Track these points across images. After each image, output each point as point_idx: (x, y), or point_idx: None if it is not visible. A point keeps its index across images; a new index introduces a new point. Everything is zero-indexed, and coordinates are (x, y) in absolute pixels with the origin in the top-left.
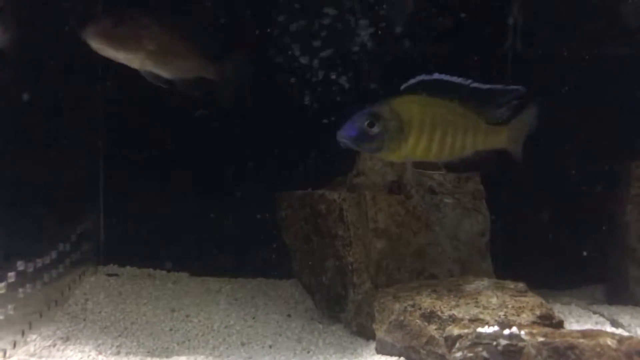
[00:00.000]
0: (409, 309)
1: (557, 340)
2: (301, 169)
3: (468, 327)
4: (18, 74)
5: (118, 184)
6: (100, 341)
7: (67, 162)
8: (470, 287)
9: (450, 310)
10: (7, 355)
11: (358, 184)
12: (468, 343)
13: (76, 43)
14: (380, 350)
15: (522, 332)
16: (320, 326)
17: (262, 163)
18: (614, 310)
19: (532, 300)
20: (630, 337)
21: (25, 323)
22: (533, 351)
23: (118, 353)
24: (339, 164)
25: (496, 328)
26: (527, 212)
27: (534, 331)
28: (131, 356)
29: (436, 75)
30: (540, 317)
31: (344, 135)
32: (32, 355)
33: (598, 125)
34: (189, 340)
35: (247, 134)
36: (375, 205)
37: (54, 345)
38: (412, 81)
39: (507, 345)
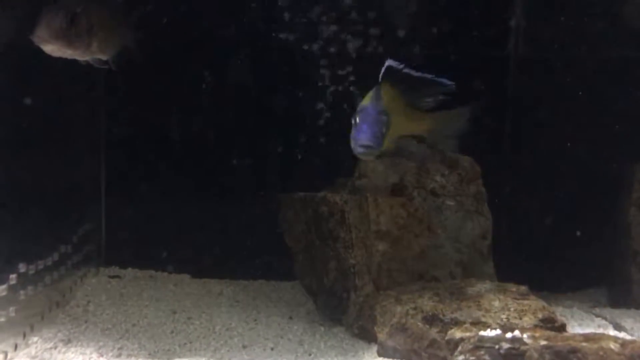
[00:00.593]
0: (411, 311)
1: (559, 343)
2: (304, 170)
3: (470, 331)
4: (19, 74)
5: (120, 186)
6: (101, 343)
7: (68, 164)
8: (472, 290)
9: (453, 313)
10: (9, 357)
11: (360, 186)
12: (470, 346)
13: None
14: (382, 353)
15: (525, 336)
16: (322, 329)
17: (264, 165)
18: (616, 314)
19: (534, 303)
20: (633, 341)
21: (27, 325)
22: (535, 355)
23: (119, 355)
24: (340, 165)
25: (498, 331)
26: (529, 214)
27: (536, 335)
28: (132, 358)
29: (389, 61)
30: (543, 320)
31: (367, 143)
32: (34, 357)
33: (601, 127)
34: (190, 343)
35: (249, 135)
36: (377, 207)
37: (56, 348)
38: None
39: (510, 348)
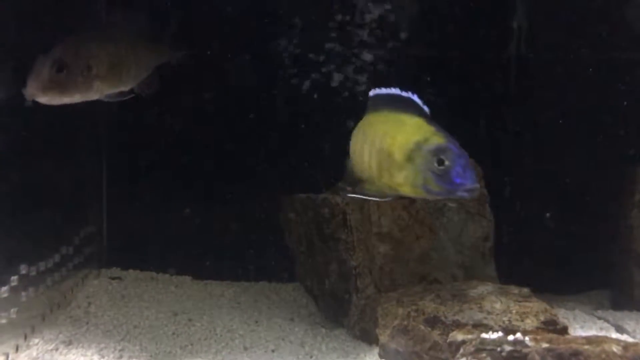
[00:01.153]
0: (413, 314)
1: (561, 346)
2: (305, 172)
3: (472, 333)
4: (20, 76)
5: (121, 187)
6: (102, 345)
7: (70, 165)
8: (474, 292)
9: (454, 315)
10: (10, 359)
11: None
12: (472, 349)
13: None
14: (383, 355)
15: (527, 338)
16: (324, 330)
17: (265, 166)
18: (618, 316)
19: (536, 305)
20: (635, 344)
21: (28, 327)
22: (537, 357)
23: (120, 357)
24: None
25: (500, 334)
26: (531, 216)
27: (538, 337)
28: None
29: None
30: (545, 322)
31: (475, 186)
32: (35, 359)
33: (603, 129)
34: (191, 345)
35: (250, 137)
36: (378, 209)
37: (57, 349)
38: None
39: (511, 351)
